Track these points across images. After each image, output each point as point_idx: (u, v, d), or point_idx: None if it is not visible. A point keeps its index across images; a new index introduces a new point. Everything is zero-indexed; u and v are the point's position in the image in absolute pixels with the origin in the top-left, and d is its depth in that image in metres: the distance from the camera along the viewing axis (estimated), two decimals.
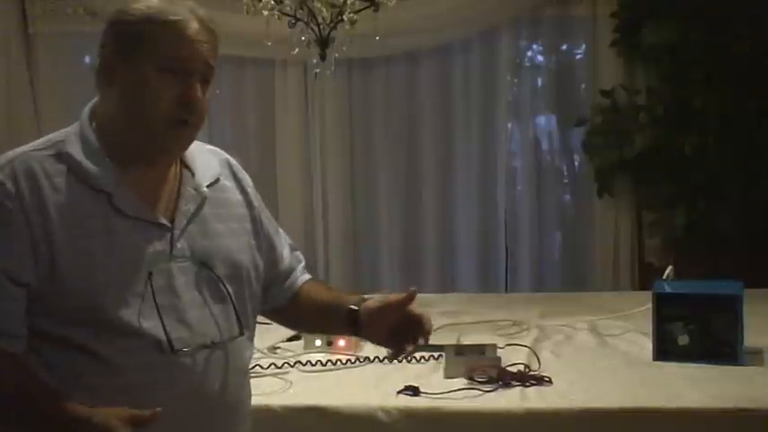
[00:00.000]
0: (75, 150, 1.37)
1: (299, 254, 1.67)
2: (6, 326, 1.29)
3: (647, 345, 2.25)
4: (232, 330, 1.43)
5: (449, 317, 2.80)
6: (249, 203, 1.55)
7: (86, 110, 1.44)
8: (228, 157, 1.59)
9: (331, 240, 4.10)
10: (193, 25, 1.37)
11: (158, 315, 1.33)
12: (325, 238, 4.09)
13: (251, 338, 1.53)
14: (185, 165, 1.47)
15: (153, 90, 1.35)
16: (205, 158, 1.52)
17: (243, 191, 1.55)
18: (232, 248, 1.46)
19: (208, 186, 1.47)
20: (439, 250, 4.18)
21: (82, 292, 1.29)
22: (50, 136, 1.41)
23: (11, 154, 1.36)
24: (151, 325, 1.32)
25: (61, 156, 1.36)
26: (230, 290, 1.43)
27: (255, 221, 1.55)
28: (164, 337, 1.33)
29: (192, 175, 1.46)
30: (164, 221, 1.39)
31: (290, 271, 1.63)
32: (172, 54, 1.36)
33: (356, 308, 1.53)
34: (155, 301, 1.33)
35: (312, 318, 1.65)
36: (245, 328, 1.46)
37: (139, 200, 1.38)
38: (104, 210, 1.34)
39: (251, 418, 1.54)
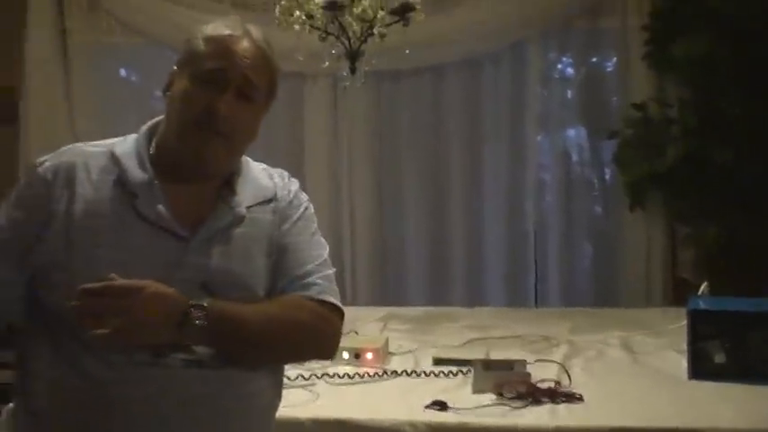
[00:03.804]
0: (124, 152, 1.46)
1: (317, 287, 1.51)
2: None
3: (682, 363, 2.20)
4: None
5: (477, 331, 2.78)
6: (279, 224, 1.52)
7: (150, 121, 1.53)
8: (289, 181, 1.60)
9: (358, 253, 4.07)
10: (240, 42, 1.45)
11: None
12: (352, 251, 4.07)
13: (266, 368, 1.48)
14: (231, 185, 1.50)
15: (187, 98, 1.43)
16: (259, 181, 1.54)
17: (283, 214, 1.54)
18: (247, 272, 1.45)
19: (251, 207, 1.48)
20: (467, 263, 4.13)
21: (85, 282, 1.30)
22: (114, 138, 1.52)
23: (70, 146, 1.50)
24: None
25: (108, 154, 1.46)
26: None
27: (272, 243, 1.51)
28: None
29: (234, 194, 1.48)
30: (181, 232, 1.41)
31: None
32: (210, 65, 1.43)
33: None
34: None
35: None
36: None
37: (169, 210, 1.41)
38: (127, 210, 1.40)
39: None
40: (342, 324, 1.56)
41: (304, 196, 1.61)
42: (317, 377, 2.17)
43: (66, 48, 4.07)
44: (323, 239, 1.60)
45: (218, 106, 1.40)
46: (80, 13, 4.06)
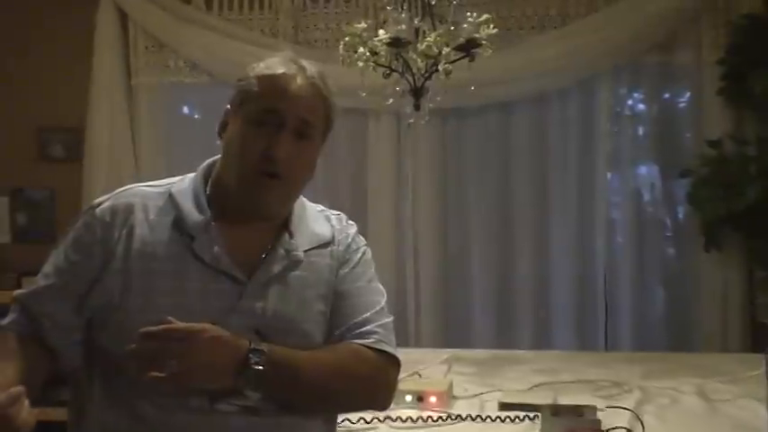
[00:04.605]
0: (181, 193, 1.47)
1: (374, 335, 1.51)
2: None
3: (762, 412, 2.13)
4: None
5: (544, 375, 2.73)
6: (336, 269, 1.53)
7: (207, 161, 1.54)
8: (347, 224, 1.61)
9: (422, 293, 4.06)
10: (295, 81, 1.45)
11: None
12: (416, 291, 4.06)
13: (320, 417, 1.49)
14: (288, 228, 1.50)
15: (244, 142, 1.43)
16: (317, 223, 1.55)
17: (341, 258, 1.54)
18: (303, 318, 1.46)
19: (309, 250, 1.49)
20: (534, 304, 4.10)
21: (140, 326, 1.33)
22: (173, 178, 1.53)
23: (126, 187, 1.51)
24: None
25: (166, 194, 1.47)
26: None
27: (330, 289, 1.52)
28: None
29: (291, 237, 1.48)
30: (237, 276, 1.41)
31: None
32: (264, 107, 1.43)
33: None
34: None
35: None
36: None
37: (225, 252, 1.42)
38: (184, 253, 1.42)
39: None
40: (398, 374, 1.55)
41: (362, 240, 1.61)
42: (380, 420, 2.16)
43: (131, 87, 4.23)
44: (380, 285, 1.60)
45: (275, 150, 1.41)
46: (145, 52, 4.22)
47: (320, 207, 1.62)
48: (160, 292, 1.38)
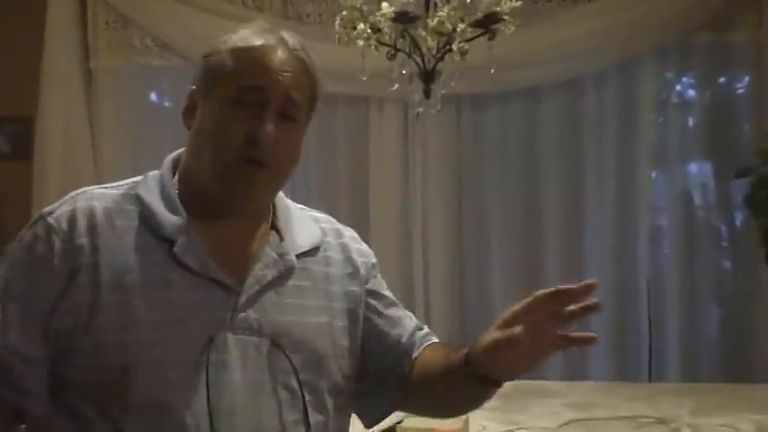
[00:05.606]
0: (148, 192, 1.46)
1: (429, 333, 1.69)
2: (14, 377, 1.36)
3: None
4: (296, 428, 1.40)
5: (577, 410, 2.75)
6: (352, 281, 1.56)
7: (172, 155, 1.54)
8: (342, 227, 1.64)
9: (433, 311, 4.07)
10: (277, 53, 1.45)
11: (207, 389, 1.33)
12: (425, 308, 4.08)
13: None
14: (276, 228, 1.51)
15: (223, 125, 1.42)
16: (304, 225, 1.56)
17: (350, 265, 1.57)
18: (309, 330, 1.46)
19: (300, 256, 1.49)
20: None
21: (116, 348, 1.32)
22: (133, 178, 1.51)
23: (79, 190, 1.47)
24: (187, 399, 1.32)
25: (131, 197, 1.46)
26: (301, 378, 1.41)
27: (357, 302, 1.56)
28: (205, 420, 1.33)
29: (281, 239, 1.49)
30: (230, 283, 1.41)
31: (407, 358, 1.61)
32: (246, 83, 1.43)
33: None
34: (207, 373, 1.34)
35: (433, 390, 1.60)
36: (315, 428, 1.42)
37: (210, 256, 1.41)
38: (165, 260, 1.40)
39: None
40: None
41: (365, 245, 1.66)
42: None
43: (90, 70, 4.24)
44: None
45: (259, 134, 1.40)
46: (106, 29, 4.23)
47: (301, 206, 1.63)
48: (138, 307, 1.36)
